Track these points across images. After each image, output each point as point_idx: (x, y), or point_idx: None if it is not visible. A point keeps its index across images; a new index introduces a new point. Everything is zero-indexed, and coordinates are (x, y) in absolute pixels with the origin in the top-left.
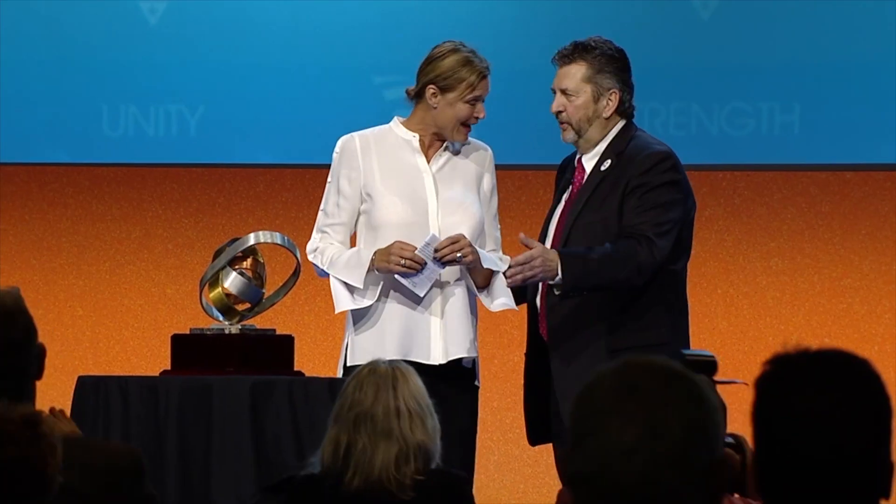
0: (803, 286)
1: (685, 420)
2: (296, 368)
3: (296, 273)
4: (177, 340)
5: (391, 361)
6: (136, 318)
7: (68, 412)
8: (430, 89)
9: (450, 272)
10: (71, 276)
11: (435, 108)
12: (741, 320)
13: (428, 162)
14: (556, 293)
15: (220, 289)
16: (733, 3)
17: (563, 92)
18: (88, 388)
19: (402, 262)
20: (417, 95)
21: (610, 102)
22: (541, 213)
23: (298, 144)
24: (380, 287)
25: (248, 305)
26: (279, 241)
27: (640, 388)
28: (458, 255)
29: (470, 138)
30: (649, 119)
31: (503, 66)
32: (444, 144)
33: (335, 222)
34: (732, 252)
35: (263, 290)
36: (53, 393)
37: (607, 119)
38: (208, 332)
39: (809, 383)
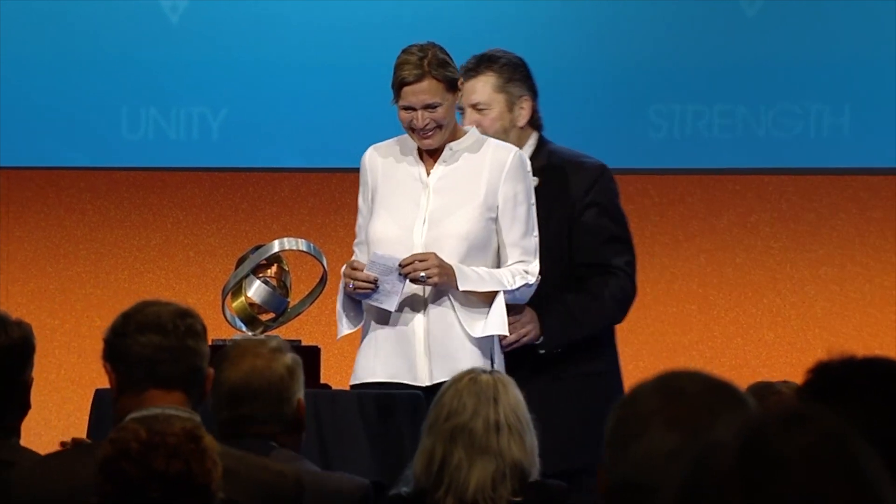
0: (854, 296)
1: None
2: (322, 381)
3: (322, 281)
4: None
5: (492, 371)
6: None
7: (85, 426)
8: None
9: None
10: (88, 285)
11: None
12: (788, 331)
13: (430, 170)
14: (541, 352)
15: (243, 298)
16: None
17: (475, 107)
18: (106, 402)
19: (351, 283)
20: None
21: (523, 111)
22: None
23: (325, 147)
24: (365, 310)
25: (272, 315)
26: (305, 248)
27: (684, 393)
28: (422, 274)
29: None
30: (692, 122)
31: (537, 66)
32: (450, 149)
33: (359, 240)
34: (779, 260)
35: (288, 300)
36: (70, 406)
37: (522, 129)
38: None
39: (853, 392)
